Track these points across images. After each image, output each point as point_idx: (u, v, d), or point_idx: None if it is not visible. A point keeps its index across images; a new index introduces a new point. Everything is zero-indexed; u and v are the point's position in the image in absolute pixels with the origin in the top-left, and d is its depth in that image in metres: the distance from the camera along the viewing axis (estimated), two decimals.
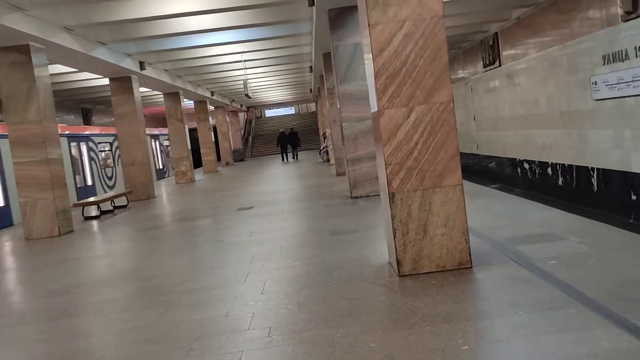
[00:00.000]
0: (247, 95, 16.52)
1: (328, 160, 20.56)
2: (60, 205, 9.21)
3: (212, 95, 24.53)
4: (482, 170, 18.59)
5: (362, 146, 9.33)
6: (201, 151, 24.66)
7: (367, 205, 8.45)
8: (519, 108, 14.70)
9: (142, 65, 14.28)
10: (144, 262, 6.21)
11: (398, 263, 4.22)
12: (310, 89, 28.63)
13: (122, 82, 14.12)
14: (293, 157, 28.29)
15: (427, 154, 4.19)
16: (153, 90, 19.12)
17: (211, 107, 29.55)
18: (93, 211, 11.90)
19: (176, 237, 7.73)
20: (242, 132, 40.76)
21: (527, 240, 4.83)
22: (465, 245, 4.20)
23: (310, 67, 18.91)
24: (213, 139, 24.76)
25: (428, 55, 4.16)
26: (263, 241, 6.50)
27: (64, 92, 18.55)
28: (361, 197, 9.34)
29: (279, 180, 15.66)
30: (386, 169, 4.23)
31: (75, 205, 11.22)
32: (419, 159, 4.20)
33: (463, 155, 20.79)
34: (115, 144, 20.27)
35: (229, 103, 29.80)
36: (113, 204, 12.59)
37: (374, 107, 4.43)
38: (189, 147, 19.70)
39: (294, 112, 47.48)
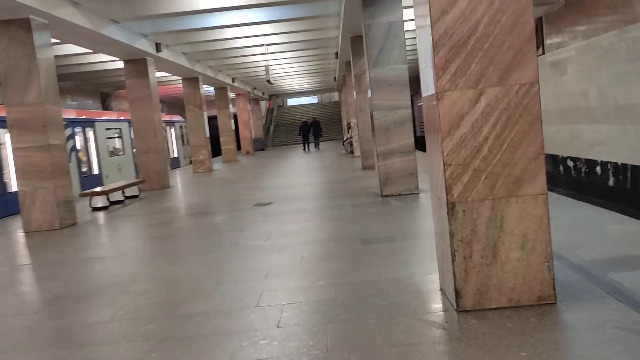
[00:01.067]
0: (269, 81, 15.58)
1: (352, 152, 19.55)
2: (61, 196, 8.40)
3: (233, 82, 23.65)
4: None
5: (394, 138, 8.30)
6: (220, 140, 23.84)
7: (401, 206, 7.44)
8: (564, 101, 13.48)
9: (158, 47, 13.41)
10: (144, 268, 5.31)
11: (457, 294, 3.22)
12: (335, 77, 27.57)
13: (137, 64, 13.28)
14: (315, 147, 28.03)
15: (500, 152, 3.17)
16: (171, 75, 18.26)
17: (232, 95, 28.73)
18: (101, 202, 11.11)
19: (184, 237, 6.83)
20: (264, 120, 39.91)
21: (620, 264, 3.78)
22: (547, 275, 3.17)
23: (336, 53, 17.86)
24: (233, 128, 23.90)
25: (507, 21, 3.12)
26: (281, 248, 5.55)
27: (81, 74, 17.84)
28: (393, 195, 8.33)
29: (300, 173, 14.71)
30: (444, 171, 3.22)
31: (82, 195, 10.43)
32: (489, 158, 3.18)
33: None
34: (126, 130, 19.46)
35: (251, 90, 28.92)
36: (124, 194, 11.79)
37: (428, 89, 3.41)
38: (208, 135, 18.86)
39: (316, 101, 46.44)
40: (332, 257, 4.95)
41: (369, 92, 8.39)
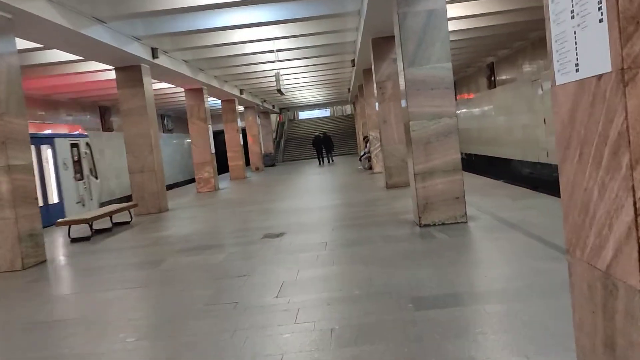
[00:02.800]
0: (279, 90, 14.07)
1: (370, 168, 17.92)
2: (25, 228, 6.83)
3: (241, 93, 22.19)
4: (553, 182, 15.63)
5: (436, 154, 6.67)
6: (228, 155, 22.33)
7: (450, 242, 5.78)
8: None
9: (154, 53, 11.94)
10: (100, 348, 3.70)
11: None
12: (349, 88, 26.05)
13: (129, 72, 11.79)
14: (328, 161, 27.06)
15: None
16: (171, 84, 16.79)
17: (240, 108, 27.29)
18: (78, 231, 9.55)
19: (171, 288, 5.22)
20: (274, 135, 38.48)
21: None
22: None
23: (353, 60, 16.33)
24: (241, 142, 22.39)
25: None
26: (299, 310, 3.92)
27: (76, 85, 16.45)
28: (435, 225, 6.67)
29: (315, 192, 13.08)
30: (636, 215, 1.58)
31: (59, 224, 8.87)
32: None
33: (527, 164, 17.85)
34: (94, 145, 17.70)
35: (260, 103, 27.48)
36: (112, 221, 10.23)
37: (601, 66, 1.77)
38: (213, 151, 17.33)
39: (329, 114, 45.02)
40: (375, 333, 3.30)
41: (404, 98, 6.78)
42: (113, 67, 12.08)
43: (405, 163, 11.90)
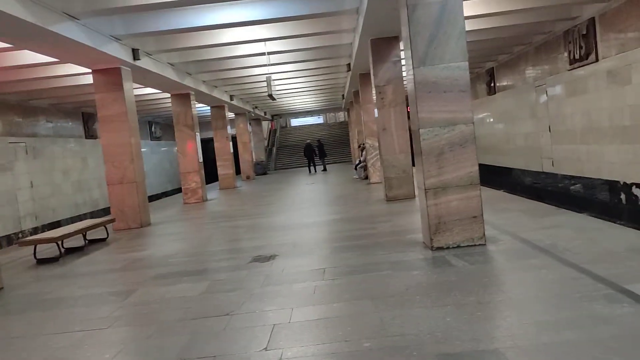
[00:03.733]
0: (270, 95, 13.21)
1: (367, 178, 17.08)
2: None
3: (232, 99, 21.30)
4: (558, 193, 14.85)
5: (450, 166, 5.81)
6: (217, 164, 21.41)
7: (473, 272, 4.89)
8: (626, 116, 11.03)
9: (135, 54, 11.04)
10: None
11: None
12: (343, 95, 25.24)
13: (108, 75, 10.88)
14: (323, 169, 26.35)
15: None
16: (156, 89, 15.87)
17: (231, 115, 26.39)
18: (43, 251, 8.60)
19: (135, 332, 4.31)
20: (266, 142, 37.58)
21: None
22: None
23: (348, 64, 15.51)
24: (232, 150, 21.48)
25: None
26: None
27: (56, 90, 15.49)
28: (449, 248, 5.80)
29: (309, 205, 12.19)
30: None
31: (20, 244, 7.92)
32: None
33: (530, 173, 17.07)
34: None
35: (251, 110, 26.59)
36: (86, 239, 9.28)
37: None
38: (201, 160, 16.41)
39: (322, 121, 44.24)
40: None
41: (413, 102, 5.92)
42: (90, 70, 11.17)
43: (407, 174, 11.08)
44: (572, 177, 14.07)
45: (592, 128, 12.66)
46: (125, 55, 10.71)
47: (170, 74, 13.52)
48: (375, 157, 15.28)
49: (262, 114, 30.59)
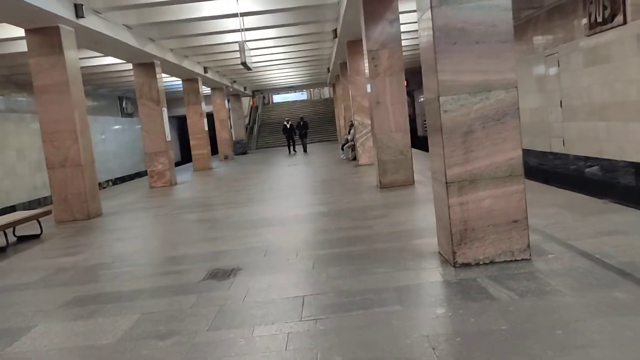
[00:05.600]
0: (244, 64, 11.35)
1: (355, 158, 15.38)
2: None
3: (206, 72, 19.34)
4: (571, 176, 13.27)
5: (482, 150, 4.10)
6: (190, 143, 19.53)
7: (523, 308, 3.20)
8: None
9: (78, 10, 9.10)
10: None
11: None
12: (329, 68, 23.33)
13: (43, 35, 8.95)
14: (304, 150, 24.12)
15: None
16: (108, 55, 13.87)
17: (207, 90, 24.41)
18: None
19: None
20: (247, 120, 35.59)
21: None
22: None
23: (335, 30, 13.66)
24: (206, 128, 19.59)
25: None
26: None
27: (6, 58, 13.50)
28: (479, 264, 4.13)
29: (290, 192, 10.46)
30: None
31: None
32: None
33: (535, 153, 15.47)
34: None
35: (230, 84, 24.61)
36: (15, 235, 7.49)
37: None
38: (169, 139, 14.55)
39: (305, 97, 42.31)
40: None
41: (430, 57, 4.16)
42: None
43: (405, 157, 9.37)
44: (587, 159, 12.48)
45: (615, 102, 11.03)
46: (66, 12, 8.79)
47: (127, 38, 11.57)
48: (365, 136, 13.56)
49: (242, 89, 28.59)
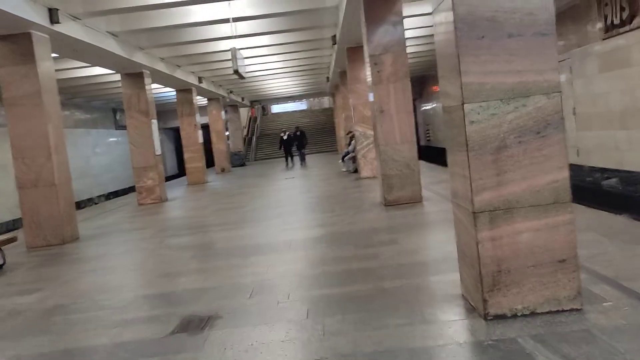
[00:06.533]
0: (237, 72, 10.54)
1: (356, 171, 14.53)
2: None
3: (200, 82, 18.56)
4: (584, 189, 12.40)
5: (518, 170, 3.24)
6: (184, 156, 18.71)
7: None
8: None
9: (53, 16, 8.31)
10: None
11: None
12: (328, 77, 22.55)
13: (14, 42, 8.13)
14: (301, 162, 23.00)
15: None
16: (94, 65, 13.11)
17: (203, 101, 23.66)
18: None
19: None
20: (245, 131, 34.83)
21: None
22: None
23: (334, 36, 12.87)
24: (201, 140, 18.78)
25: None
26: None
27: None
28: (517, 316, 3.26)
29: (287, 210, 9.60)
30: None
31: None
32: None
33: None
34: None
35: (226, 95, 23.83)
36: None
37: None
38: (159, 152, 13.72)
39: (305, 107, 41.61)
40: None
41: (451, 53, 3.32)
42: None
43: (412, 171, 8.52)
44: (605, 170, 11.62)
45: (637, 110, 10.19)
46: (38, 17, 8.00)
47: (112, 46, 10.77)
48: (367, 147, 12.74)
49: (240, 100, 27.82)
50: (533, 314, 3.27)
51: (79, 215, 12.54)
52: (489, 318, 3.28)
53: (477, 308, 3.42)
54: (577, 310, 3.26)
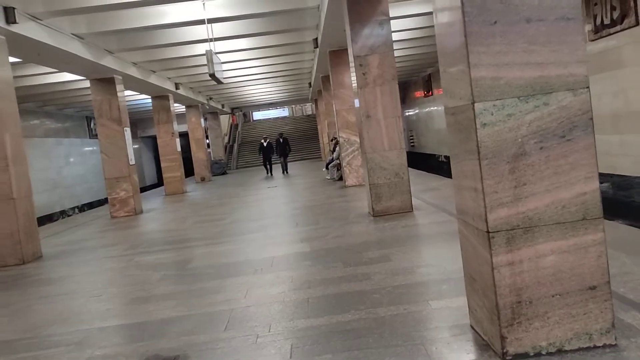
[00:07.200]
0: (213, 76, 9.95)
1: (341, 178, 14.01)
2: None
3: (177, 88, 17.89)
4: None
5: (540, 181, 2.72)
6: (162, 165, 18.01)
7: None
8: None
9: (9, 15, 7.67)
10: None
11: None
12: (310, 83, 22.06)
13: None
14: (284, 171, 21.60)
15: None
16: (62, 70, 12.42)
17: (181, 108, 23.00)
18: None
19: None
20: (226, 138, 34.17)
21: None
22: None
23: (315, 39, 12.35)
24: (179, 149, 18.11)
25: None
26: None
27: None
28: (541, 354, 2.72)
29: (268, 222, 9.01)
30: None
31: None
32: None
33: None
34: None
35: (206, 102, 23.17)
36: None
37: None
38: (132, 162, 13.03)
39: (287, 114, 41.11)
40: None
41: (460, 43, 2.79)
42: None
43: (401, 179, 7.99)
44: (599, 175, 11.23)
45: (630, 112, 9.84)
46: None
47: (78, 49, 10.11)
48: (352, 154, 12.23)
49: (220, 107, 27.18)
50: (560, 351, 2.73)
51: (47, 229, 11.84)
52: (507, 358, 2.74)
53: (493, 345, 2.87)
54: (611, 346, 2.74)
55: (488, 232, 2.74)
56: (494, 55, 2.69)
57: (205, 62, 13.51)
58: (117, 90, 12.58)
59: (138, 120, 30.23)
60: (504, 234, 2.73)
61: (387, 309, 3.79)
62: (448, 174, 16.01)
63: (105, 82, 12.44)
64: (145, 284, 5.61)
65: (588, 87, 2.71)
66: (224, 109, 28.58)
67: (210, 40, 10.67)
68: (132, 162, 12.98)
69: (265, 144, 22.17)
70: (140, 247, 8.01)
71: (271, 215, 9.82)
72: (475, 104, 2.71)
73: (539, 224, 2.73)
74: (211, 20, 9.91)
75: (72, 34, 9.74)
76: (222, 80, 10.86)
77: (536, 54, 2.69)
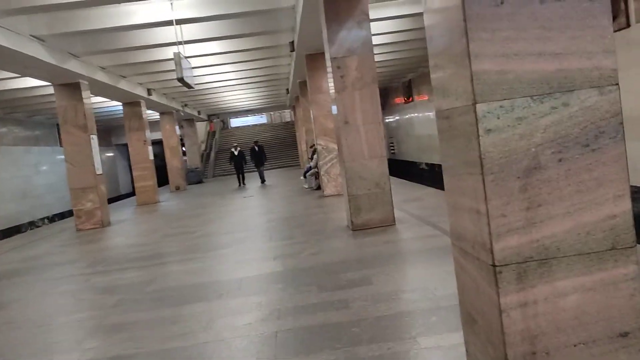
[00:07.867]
0: (181, 80, 9.31)
1: (319, 188, 13.46)
2: None
3: (150, 94, 17.18)
4: None
5: (559, 200, 2.17)
6: (133, 174, 17.25)
7: None
8: None
9: None
10: None
11: None
12: (287, 89, 21.50)
13: None
14: (261, 180, 20.01)
15: None
16: (24, 75, 11.67)
17: (155, 115, 22.27)
18: None
19: None
20: (203, 146, 33.41)
21: None
22: None
23: (292, 42, 11.80)
24: (151, 157, 17.37)
25: None
26: None
27: None
28: None
29: (241, 236, 8.39)
30: None
31: None
32: None
33: None
34: None
35: (181, 108, 22.46)
36: None
37: None
38: (100, 171, 12.29)
39: (265, 121, 40.50)
40: None
41: (459, 29, 2.25)
42: None
43: (382, 190, 7.44)
44: None
45: (625, 118, 9.45)
46: None
47: (38, 52, 9.41)
48: (331, 162, 11.68)
49: (196, 114, 26.46)
50: None
51: (7, 243, 11.07)
52: None
53: None
54: None
55: (494, 265, 2.19)
56: (501, 43, 2.15)
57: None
58: (83, 96, 11.86)
59: (112, 128, 29.35)
60: (514, 267, 2.18)
61: (368, 347, 3.22)
62: (430, 183, 15.56)
63: (70, 87, 11.72)
64: (98, 310, 4.97)
65: (617, 84, 2.19)
66: (200, 116, 27.85)
67: (179, 43, 10.06)
68: (100, 171, 12.24)
69: (236, 153, 20.46)
70: (100, 265, 7.32)
71: (245, 227, 9.20)
72: (477, 105, 2.16)
73: (558, 255, 2.19)
74: (180, 21, 9.32)
75: (31, 35, 9.04)
76: (193, 85, 10.24)
77: (553, 42, 2.15)
